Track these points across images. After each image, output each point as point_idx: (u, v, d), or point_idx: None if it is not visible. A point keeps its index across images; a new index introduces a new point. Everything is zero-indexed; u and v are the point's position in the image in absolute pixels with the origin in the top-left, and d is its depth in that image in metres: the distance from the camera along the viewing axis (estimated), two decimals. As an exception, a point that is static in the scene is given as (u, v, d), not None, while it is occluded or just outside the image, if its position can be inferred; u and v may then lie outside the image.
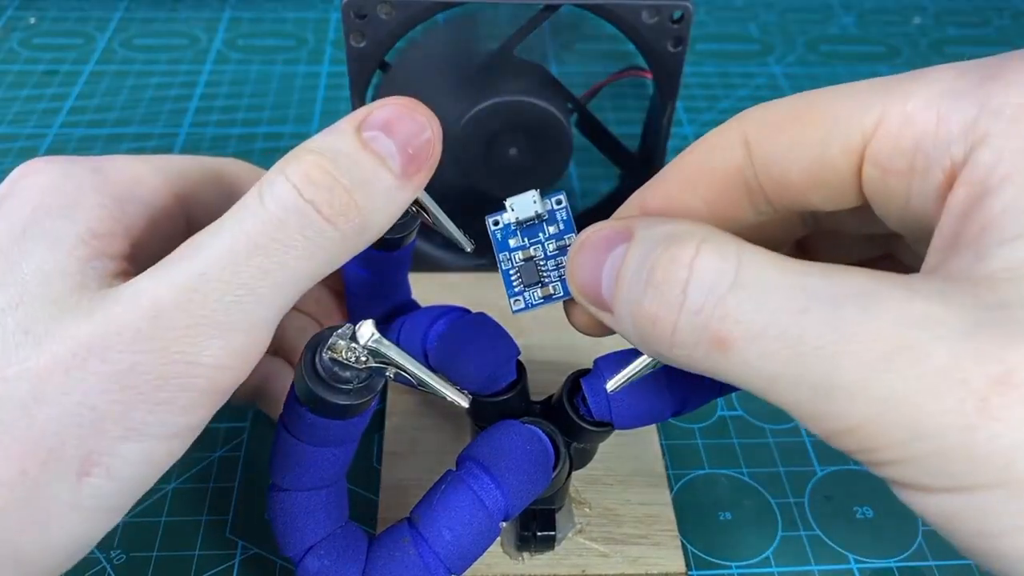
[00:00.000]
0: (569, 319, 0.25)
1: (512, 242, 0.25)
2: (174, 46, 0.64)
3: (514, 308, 0.25)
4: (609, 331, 0.23)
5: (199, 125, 0.55)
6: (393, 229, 0.27)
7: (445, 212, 0.26)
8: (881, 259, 0.25)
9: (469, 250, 0.26)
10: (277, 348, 0.33)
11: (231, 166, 0.29)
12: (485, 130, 0.38)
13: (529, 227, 0.25)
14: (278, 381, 0.32)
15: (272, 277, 0.21)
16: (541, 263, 0.25)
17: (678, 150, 0.57)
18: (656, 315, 0.19)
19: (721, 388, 0.27)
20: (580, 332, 0.25)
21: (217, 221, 0.21)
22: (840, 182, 0.21)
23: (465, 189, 0.40)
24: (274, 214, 0.21)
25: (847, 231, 0.25)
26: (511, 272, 0.25)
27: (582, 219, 0.44)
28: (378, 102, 0.22)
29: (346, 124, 0.22)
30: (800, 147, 0.21)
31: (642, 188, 0.24)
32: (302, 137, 0.55)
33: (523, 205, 0.25)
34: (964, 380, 0.16)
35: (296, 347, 0.32)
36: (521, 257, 0.25)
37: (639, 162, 0.42)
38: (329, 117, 0.57)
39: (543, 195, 0.25)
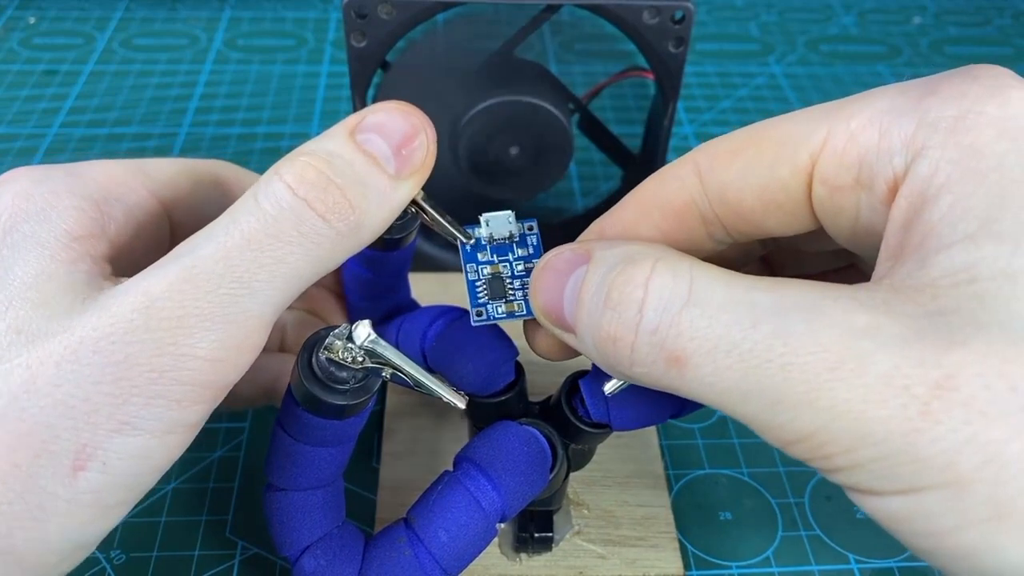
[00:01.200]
0: (530, 344, 0.25)
1: (481, 256, 0.25)
2: (174, 46, 0.64)
3: (475, 319, 0.25)
4: (570, 354, 0.24)
5: (199, 125, 0.55)
6: (393, 229, 0.28)
7: (444, 213, 0.26)
8: (845, 269, 0.26)
9: (469, 250, 0.26)
10: (286, 346, 0.33)
11: (220, 169, 0.29)
12: (486, 130, 0.38)
13: (499, 246, 0.26)
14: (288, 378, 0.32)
15: (267, 271, 0.21)
16: (508, 280, 0.25)
17: (679, 150, 0.58)
18: (615, 335, 0.20)
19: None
20: (541, 357, 0.25)
21: (212, 222, 0.22)
22: (793, 204, 0.21)
23: (465, 189, 0.40)
24: (269, 212, 0.21)
25: (806, 250, 0.25)
26: (477, 284, 0.25)
27: (584, 219, 0.45)
28: (373, 106, 0.23)
29: (340, 128, 0.22)
30: (751, 172, 0.21)
31: (601, 217, 0.25)
32: (302, 137, 0.55)
33: (498, 223, 0.26)
34: (906, 386, 0.17)
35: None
36: (489, 271, 0.25)
37: (640, 162, 0.42)
38: (329, 117, 0.57)
39: (518, 219, 0.26)
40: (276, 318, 0.22)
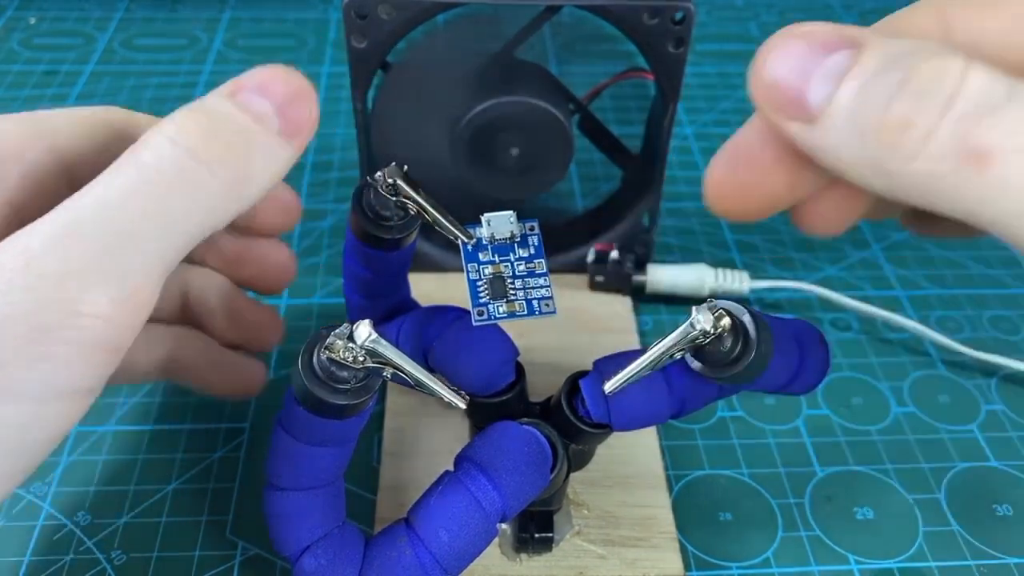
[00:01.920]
0: (710, 190, 0.22)
1: (482, 255, 0.25)
2: (174, 46, 0.64)
3: (476, 319, 0.25)
4: (762, 205, 0.21)
5: (199, 125, 0.55)
6: (394, 229, 0.28)
7: (445, 212, 0.26)
8: None
9: (471, 250, 0.26)
10: (185, 315, 0.32)
11: (115, 115, 0.27)
12: (486, 131, 0.38)
13: (501, 245, 0.25)
14: (189, 350, 0.31)
15: (152, 224, 0.20)
16: (509, 280, 0.25)
17: (680, 150, 0.57)
18: (910, 120, 0.17)
19: (720, 390, 0.27)
20: (718, 208, 0.22)
21: (95, 179, 0.21)
22: None
23: (465, 190, 0.40)
24: (149, 163, 0.20)
25: None
26: (478, 283, 0.25)
27: (584, 220, 0.45)
28: (252, 70, 0.23)
29: (219, 89, 0.22)
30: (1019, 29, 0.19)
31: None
32: (302, 137, 0.55)
33: (500, 223, 0.26)
34: None
35: (207, 308, 0.31)
36: (490, 271, 0.25)
37: (640, 163, 0.42)
38: (329, 118, 0.57)
39: (519, 219, 0.26)
40: (166, 273, 0.21)
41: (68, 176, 0.25)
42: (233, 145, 0.21)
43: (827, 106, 0.18)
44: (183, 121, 0.21)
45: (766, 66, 0.19)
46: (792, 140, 0.19)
